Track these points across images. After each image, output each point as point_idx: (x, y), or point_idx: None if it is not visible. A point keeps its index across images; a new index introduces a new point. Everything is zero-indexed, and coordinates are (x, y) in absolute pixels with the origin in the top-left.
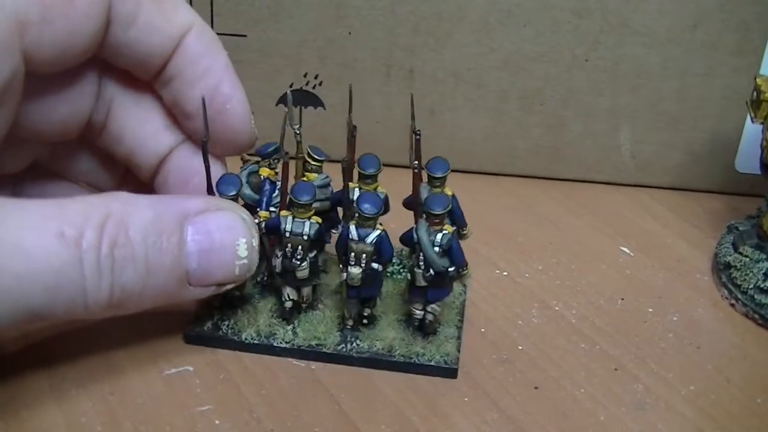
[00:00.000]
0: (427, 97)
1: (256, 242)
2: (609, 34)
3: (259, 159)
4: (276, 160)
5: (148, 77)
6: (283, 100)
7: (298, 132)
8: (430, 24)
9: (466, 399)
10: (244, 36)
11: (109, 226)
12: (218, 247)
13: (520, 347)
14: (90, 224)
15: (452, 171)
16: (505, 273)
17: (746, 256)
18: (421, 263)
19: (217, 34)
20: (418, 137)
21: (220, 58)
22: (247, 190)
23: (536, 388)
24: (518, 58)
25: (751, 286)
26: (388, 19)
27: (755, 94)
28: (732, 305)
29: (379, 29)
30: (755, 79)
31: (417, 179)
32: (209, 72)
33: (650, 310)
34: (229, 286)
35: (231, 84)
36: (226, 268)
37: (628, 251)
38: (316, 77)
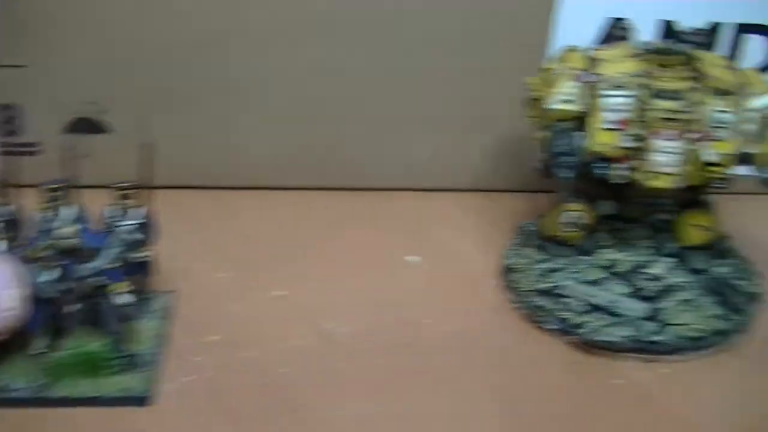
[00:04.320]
0: (213, 118)
1: (26, 292)
2: (387, 44)
3: None
4: None
5: None
6: (68, 128)
7: None
8: (208, 42)
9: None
10: (25, 66)
11: None
12: None
13: (284, 370)
14: None
15: (239, 189)
16: (281, 293)
17: (527, 258)
18: None
19: None
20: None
21: None
22: None
23: (296, 412)
24: (298, 72)
25: (530, 288)
26: (165, 41)
27: (529, 93)
28: (514, 309)
29: (157, 51)
30: (527, 79)
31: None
32: None
33: (429, 320)
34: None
35: None
36: None
37: (416, 259)
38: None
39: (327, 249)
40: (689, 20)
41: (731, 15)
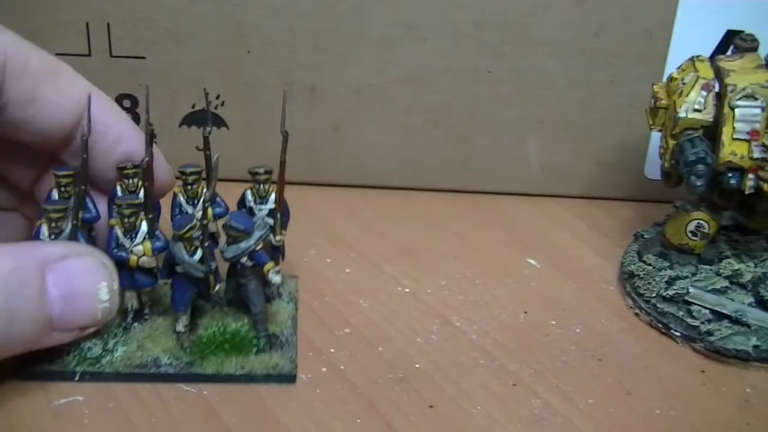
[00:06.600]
0: (331, 114)
1: (116, 286)
2: (512, 45)
3: None
4: None
5: (50, 149)
6: (186, 121)
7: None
8: (329, 40)
9: (358, 420)
10: (143, 58)
11: None
12: (80, 293)
13: (417, 365)
14: None
15: (361, 187)
16: (408, 290)
17: (649, 265)
18: None
19: (116, 57)
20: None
21: (124, 120)
22: None
23: (431, 407)
24: (421, 73)
25: (654, 294)
26: (288, 37)
27: (653, 101)
28: (636, 315)
29: (278, 47)
30: (653, 86)
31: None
32: (122, 138)
33: (553, 322)
34: (91, 330)
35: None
36: (89, 312)
37: (535, 263)
38: (217, 97)
39: (448, 248)
40: None
41: None
